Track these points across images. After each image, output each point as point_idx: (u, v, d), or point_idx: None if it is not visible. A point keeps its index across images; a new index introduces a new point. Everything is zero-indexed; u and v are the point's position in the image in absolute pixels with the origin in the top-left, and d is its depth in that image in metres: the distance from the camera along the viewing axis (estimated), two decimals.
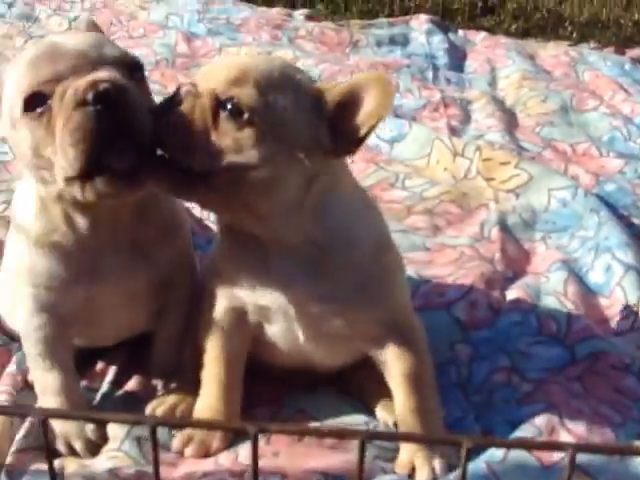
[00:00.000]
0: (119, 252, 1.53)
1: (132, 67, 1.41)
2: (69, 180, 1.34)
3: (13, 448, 1.58)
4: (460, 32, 3.81)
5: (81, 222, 1.48)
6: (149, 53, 3.35)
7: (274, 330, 1.53)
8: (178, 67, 3.25)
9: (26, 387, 1.73)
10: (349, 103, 1.33)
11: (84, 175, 1.32)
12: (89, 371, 1.77)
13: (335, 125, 1.35)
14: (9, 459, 1.56)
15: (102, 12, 3.79)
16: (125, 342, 1.80)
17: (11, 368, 1.76)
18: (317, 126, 1.35)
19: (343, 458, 1.52)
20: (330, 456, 1.54)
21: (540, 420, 1.58)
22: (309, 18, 3.87)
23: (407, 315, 1.55)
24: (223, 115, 1.30)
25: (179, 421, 1.35)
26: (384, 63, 3.32)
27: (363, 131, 1.34)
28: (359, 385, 1.71)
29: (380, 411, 1.64)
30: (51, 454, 0.99)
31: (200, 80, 1.36)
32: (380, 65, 3.29)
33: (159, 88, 3.03)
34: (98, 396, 1.72)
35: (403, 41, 3.62)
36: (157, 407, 1.63)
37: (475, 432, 1.62)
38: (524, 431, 1.57)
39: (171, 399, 1.64)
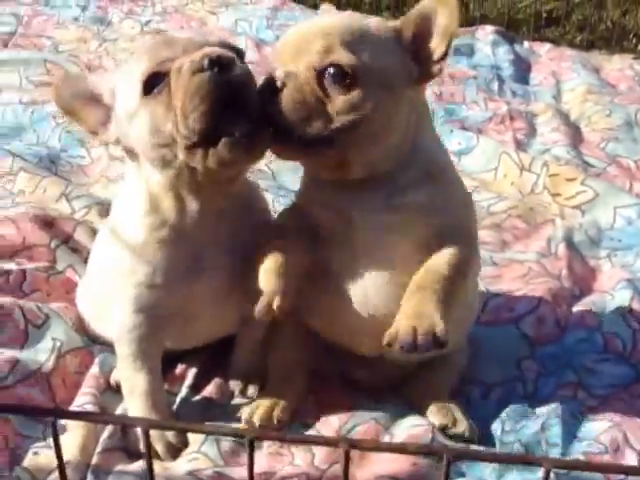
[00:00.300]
0: (219, 246, 1.60)
1: (236, 52, 1.52)
2: (191, 149, 1.44)
3: (99, 449, 1.64)
4: (525, 43, 3.81)
5: (191, 210, 1.56)
6: None
7: (338, 258, 1.59)
8: None
9: (108, 388, 1.81)
10: (423, 28, 1.47)
11: (205, 142, 1.42)
12: (169, 374, 1.84)
13: (416, 52, 1.48)
14: (95, 459, 1.62)
15: (173, 17, 3.85)
16: (204, 346, 1.87)
17: (94, 370, 1.84)
18: (404, 60, 1.47)
19: (409, 461, 1.57)
20: (397, 461, 1.58)
21: (605, 437, 1.62)
22: None
23: (471, 233, 1.66)
24: (328, 83, 1.42)
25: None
26: (450, 74, 3.35)
27: (441, 49, 1.47)
28: (412, 388, 1.77)
29: (431, 414, 1.69)
30: (150, 459, 1.05)
31: (287, 56, 1.46)
32: (446, 76, 3.32)
33: None
34: (177, 400, 1.79)
35: (469, 52, 3.64)
36: (253, 413, 1.67)
37: (539, 443, 1.65)
38: (589, 446, 1.62)
39: (265, 403, 1.69)
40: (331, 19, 1.50)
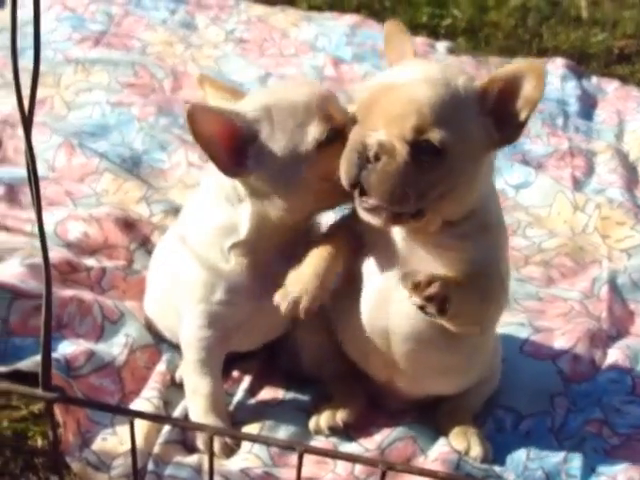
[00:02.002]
0: (286, 261, 1.71)
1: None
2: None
3: (160, 440, 1.80)
4: (594, 79, 3.90)
5: (273, 236, 1.73)
6: (298, 73, 3.57)
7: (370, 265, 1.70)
8: None
9: (173, 385, 1.96)
10: (508, 92, 1.49)
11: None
12: (227, 377, 1.99)
13: (497, 114, 1.51)
14: (156, 449, 1.78)
15: (257, 26, 3.99)
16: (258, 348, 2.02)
17: (161, 367, 2.00)
18: (486, 124, 1.51)
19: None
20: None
21: (622, 475, 1.75)
22: (450, 51, 4.03)
23: (499, 274, 1.68)
24: (420, 157, 1.46)
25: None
26: None
27: (523, 115, 1.49)
28: (439, 412, 1.90)
29: (451, 438, 1.82)
30: (212, 462, 1.21)
31: (376, 121, 1.49)
32: None
33: None
34: (234, 401, 1.95)
35: None
36: (319, 420, 1.85)
37: (559, 474, 1.78)
38: None
39: (329, 409, 1.85)
40: (421, 86, 1.48)
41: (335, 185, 1.57)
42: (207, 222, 1.77)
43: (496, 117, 1.51)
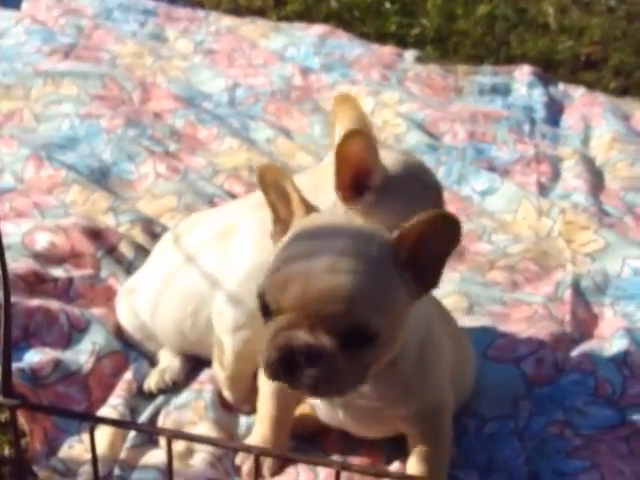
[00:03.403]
0: None
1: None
2: None
3: (127, 444, 1.82)
4: (561, 85, 3.94)
5: None
6: (266, 83, 3.60)
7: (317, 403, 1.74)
8: (292, 100, 3.47)
9: (140, 394, 1.99)
10: (421, 243, 1.38)
11: None
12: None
13: (412, 264, 1.40)
14: (123, 454, 1.80)
15: (226, 37, 4.03)
16: None
17: (128, 375, 2.02)
18: (403, 277, 1.40)
19: None
20: None
21: (584, 476, 1.77)
22: (418, 60, 4.08)
23: (439, 401, 1.68)
24: (351, 347, 1.35)
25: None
26: (484, 112, 3.50)
27: (436, 276, 1.42)
28: None
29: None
30: (171, 466, 1.22)
31: (299, 314, 1.35)
32: (480, 114, 3.48)
33: (274, 120, 3.29)
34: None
35: (505, 91, 3.79)
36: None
37: (522, 475, 1.82)
38: None
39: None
40: (339, 274, 1.34)
41: None
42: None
43: (411, 267, 1.41)
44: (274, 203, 1.53)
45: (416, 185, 1.75)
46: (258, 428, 1.79)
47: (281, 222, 1.52)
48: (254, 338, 1.85)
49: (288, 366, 1.35)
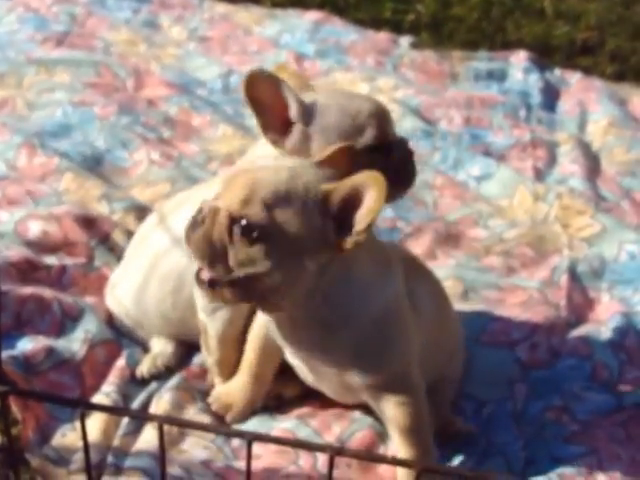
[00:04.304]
0: None
1: None
2: None
3: (120, 432, 1.82)
4: (557, 71, 3.92)
5: None
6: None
7: (295, 362, 1.78)
8: None
9: (133, 380, 1.98)
10: (351, 199, 1.46)
11: None
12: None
13: (340, 220, 1.48)
14: (116, 442, 1.80)
15: (220, 24, 3.99)
16: None
17: (121, 362, 2.01)
18: (324, 226, 1.49)
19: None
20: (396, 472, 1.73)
21: (581, 461, 1.77)
22: (414, 46, 4.05)
23: (405, 377, 1.69)
24: (236, 232, 1.45)
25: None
26: (479, 98, 3.49)
27: (361, 226, 1.46)
28: None
29: None
30: (163, 453, 1.21)
31: (221, 194, 1.51)
32: (476, 100, 3.46)
33: None
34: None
35: (500, 76, 3.77)
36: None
37: (519, 460, 1.81)
38: (566, 468, 1.76)
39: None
40: (271, 174, 1.49)
41: None
42: None
43: (337, 222, 1.49)
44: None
45: (347, 113, 1.73)
46: (238, 378, 1.90)
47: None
48: (235, 319, 1.88)
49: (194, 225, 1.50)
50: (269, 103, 1.69)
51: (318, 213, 1.48)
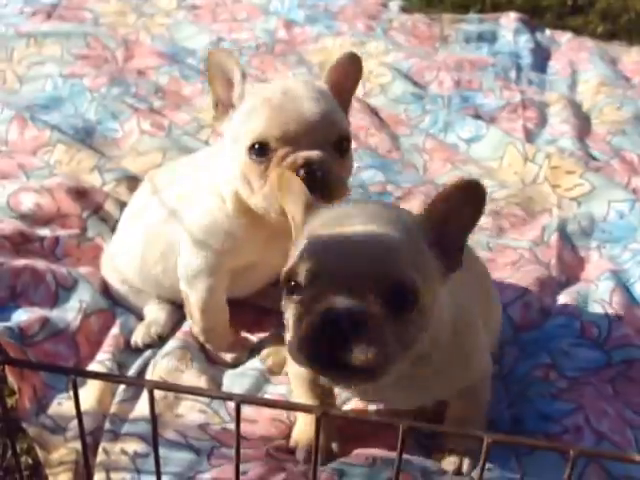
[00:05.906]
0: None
1: (343, 139, 1.73)
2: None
3: (117, 399, 1.84)
4: (547, 32, 3.93)
5: None
6: (250, 37, 3.59)
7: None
8: (277, 53, 3.46)
9: (127, 348, 2.01)
10: (447, 218, 1.33)
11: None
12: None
13: (438, 243, 1.34)
14: (113, 408, 1.82)
15: None
16: None
17: (115, 330, 2.04)
18: (434, 254, 1.34)
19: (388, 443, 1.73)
20: (377, 442, 1.74)
21: (568, 419, 1.78)
22: (404, 10, 4.05)
23: (480, 379, 1.65)
24: (397, 305, 1.25)
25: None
26: (470, 60, 3.50)
27: (464, 239, 1.36)
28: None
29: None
30: (154, 416, 1.23)
31: (343, 281, 1.23)
32: (466, 62, 3.47)
33: (258, 74, 3.28)
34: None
35: (491, 38, 3.78)
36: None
37: (505, 419, 1.82)
38: (553, 426, 1.77)
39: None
40: (379, 235, 1.28)
41: None
42: (209, 171, 1.90)
43: (437, 245, 1.34)
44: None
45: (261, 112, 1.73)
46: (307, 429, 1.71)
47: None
48: (215, 288, 1.92)
49: (330, 341, 1.20)
50: (223, 83, 1.79)
51: (428, 244, 1.33)
